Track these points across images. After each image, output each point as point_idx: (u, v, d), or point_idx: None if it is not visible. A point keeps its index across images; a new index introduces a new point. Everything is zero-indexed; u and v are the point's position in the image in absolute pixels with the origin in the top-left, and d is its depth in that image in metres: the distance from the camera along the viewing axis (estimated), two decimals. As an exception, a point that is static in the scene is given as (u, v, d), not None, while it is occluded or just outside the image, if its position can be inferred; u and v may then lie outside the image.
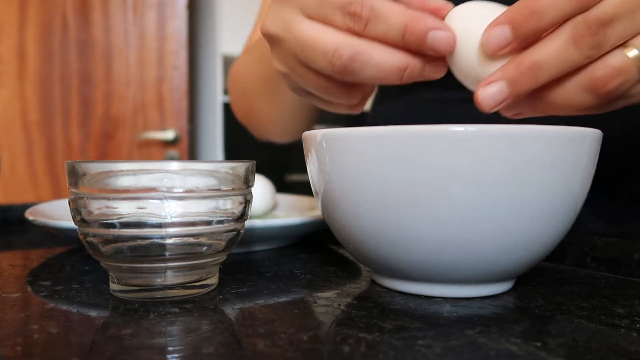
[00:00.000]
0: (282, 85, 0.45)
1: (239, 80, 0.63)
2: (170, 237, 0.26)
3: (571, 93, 0.26)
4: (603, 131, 0.27)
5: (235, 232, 0.28)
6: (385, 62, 0.28)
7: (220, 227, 0.27)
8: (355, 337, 0.22)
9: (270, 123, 0.63)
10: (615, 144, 0.42)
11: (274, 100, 0.58)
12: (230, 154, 1.89)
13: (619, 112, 0.30)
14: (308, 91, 0.34)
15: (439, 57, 0.29)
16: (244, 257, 0.39)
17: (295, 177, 1.95)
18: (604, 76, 0.25)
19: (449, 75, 0.30)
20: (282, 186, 0.61)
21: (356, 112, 0.35)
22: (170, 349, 0.21)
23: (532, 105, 0.28)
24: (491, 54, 0.26)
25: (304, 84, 0.33)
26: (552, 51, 0.25)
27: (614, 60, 0.25)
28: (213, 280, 0.29)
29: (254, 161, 0.30)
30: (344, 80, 0.30)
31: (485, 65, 0.27)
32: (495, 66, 0.26)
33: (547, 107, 0.27)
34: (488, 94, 0.26)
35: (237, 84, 0.64)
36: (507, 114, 0.29)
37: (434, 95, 0.52)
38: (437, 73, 0.30)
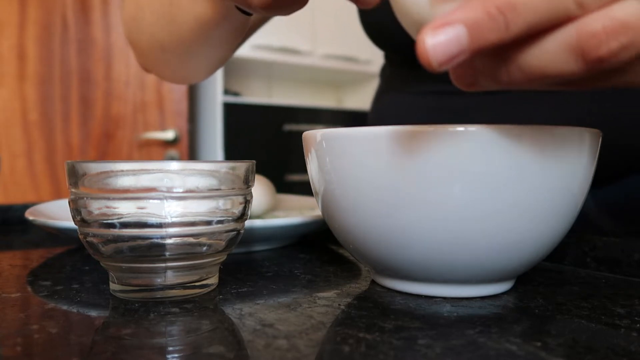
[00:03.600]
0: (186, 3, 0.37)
1: None
2: (170, 237, 0.26)
3: (549, 55, 0.18)
4: (602, 130, 0.27)
5: (235, 232, 0.28)
6: None
7: (220, 227, 0.27)
8: (355, 337, 0.22)
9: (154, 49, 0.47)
10: (614, 144, 0.42)
11: (168, 23, 0.43)
12: (230, 154, 1.89)
13: (618, 109, 0.28)
14: None
15: None
16: (244, 257, 0.39)
17: (295, 177, 1.95)
18: (600, 32, 0.17)
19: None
20: (282, 186, 0.61)
21: (267, 13, 0.27)
22: (170, 349, 0.21)
23: (492, 71, 0.20)
24: None
25: None
26: None
27: (621, 11, 0.17)
28: (213, 280, 0.29)
29: (254, 161, 0.30)
30: None
31: (438, 4, 0.20)
32: (451, 6, 0.19)
33: (513, 75, 0.19)
34: (439, 43, 0.18)
35: None
36: (459, 82, 0.21)
37: (438, 88, 0.50)
38: None
